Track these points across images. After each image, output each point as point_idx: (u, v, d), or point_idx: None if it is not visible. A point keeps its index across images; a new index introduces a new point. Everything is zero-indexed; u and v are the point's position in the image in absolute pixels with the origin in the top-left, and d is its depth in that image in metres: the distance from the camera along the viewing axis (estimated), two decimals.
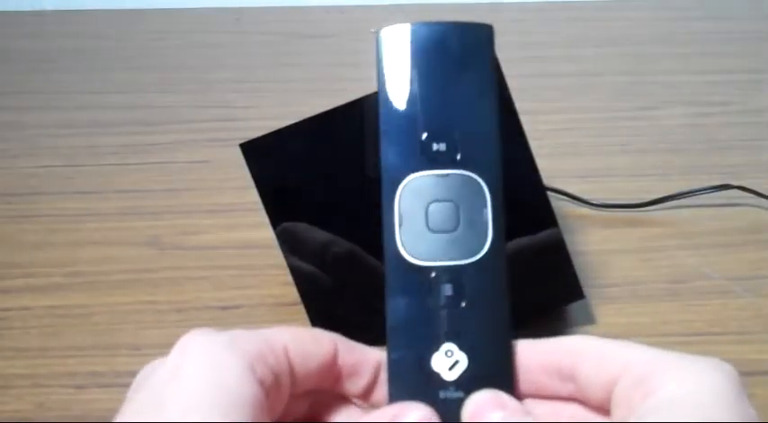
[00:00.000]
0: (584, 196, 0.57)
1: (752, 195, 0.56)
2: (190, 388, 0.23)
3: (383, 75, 0.30)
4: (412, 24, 0.31)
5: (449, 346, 0.27)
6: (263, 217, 0.43)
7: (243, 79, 0.79)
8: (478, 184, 0.29)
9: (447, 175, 0.29)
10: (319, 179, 0.43)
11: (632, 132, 0.67)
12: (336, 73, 0.78)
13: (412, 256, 0.28)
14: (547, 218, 0.44)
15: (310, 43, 0.88)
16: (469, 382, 0.26)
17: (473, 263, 0.28)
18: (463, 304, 0.28)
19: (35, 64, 0.83)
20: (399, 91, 0.30)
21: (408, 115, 0.30)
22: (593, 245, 0.53)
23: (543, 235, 0.44)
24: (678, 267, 0.51)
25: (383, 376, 0.28)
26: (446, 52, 0.30)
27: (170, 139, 0.67)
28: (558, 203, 0.55)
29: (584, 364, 0.26)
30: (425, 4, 0.91)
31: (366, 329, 0.41)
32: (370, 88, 0.42)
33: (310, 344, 0.27)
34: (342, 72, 0.78)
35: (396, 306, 0.28)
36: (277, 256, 0.43)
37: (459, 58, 0.30)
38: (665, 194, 0.56)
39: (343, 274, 0.43)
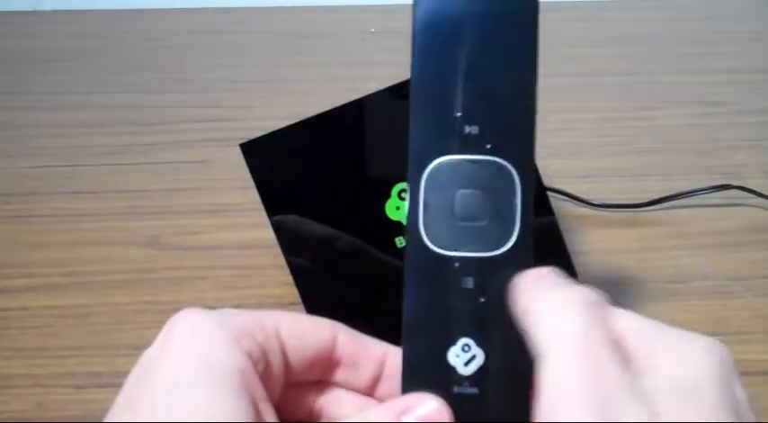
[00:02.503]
0: (584, 196, 0.57)
1: (752, 195, 0.56)
2: (176, 360, 0.24)
3: (417, 45, 0.28)
4: None
5: (466, 340, 0.26)
6: (263, 217, 0.43)
7: (243, 79, 0.79)
8: (510, 173, 0.27)
9: (478, 161, 0.27)
10: (319, 179, 0.43)
11: (632, 132, 0.67)
12: (336, 73, 0.78)
13: (434, 245, 0.27)
14: (547, 217, 0.44)
15: (310, 43, 0.87)
16: (485, 379, 0.25)
17: (497, 256, 0.27)
18: (483, 299, 0.26)
19: (35, 64, 0.83)
20: (434, 65, 0.28)
21: (442, 92, 0.27)
22: (592, 245, 0.52)
23: (543, 235, 0.44)
24: (678, 267, 0.50)
25: (389, 370, 0.27)
26: (487, 25, 0.28)
27: (170, 139, 0.67)
28: (558, 203, 0.55)
29: None
30: None
31: (366, 329, 0.41)
32: (371, 88, 0.43)
33: (306, 327, 0.27)
34: (342, 72, 0.78)
35: (414, 295, 0.27)
36: (277, 256, 0.43)
37: (501, 32, 0.28)
38: (665, 194, 0.56)
39: (343, 274, 0.43)
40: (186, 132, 0.68)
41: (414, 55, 0.28)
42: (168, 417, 0.23)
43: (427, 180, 0.27)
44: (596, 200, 0.57)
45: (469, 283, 0.26)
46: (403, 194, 0.43)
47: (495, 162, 0.27)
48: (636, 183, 0.59)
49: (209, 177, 0.61)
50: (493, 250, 0.27)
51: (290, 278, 0.44)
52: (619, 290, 0.48)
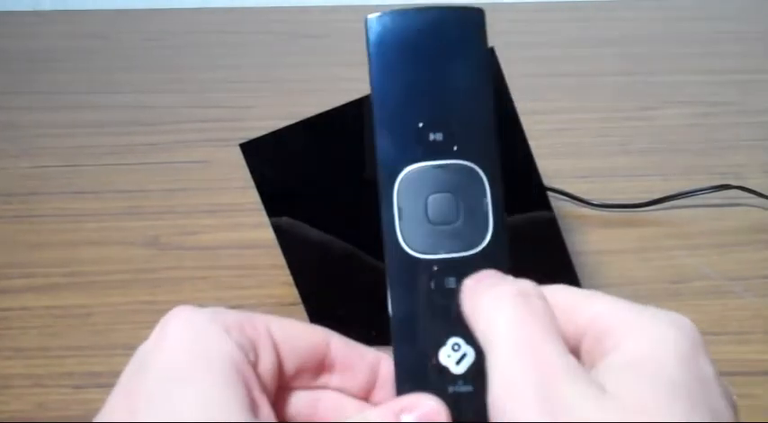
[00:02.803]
0: (584, 196, 0.57)
1: (752, 195, 0.56)
2: (170, 352, 0.25)
3: (374, 64, 0.30)
4: (401, 10, 0.30)
5: (455, 339, 0.27)
6: (263, 217, 0.43)
7: (242, 79, 0.79)
8: (477, 173, 0.28)
9: (445, 165, 0.28)
10: (319, 179, 0.43)
11: (632, 132, 0.67)
12: (336, 73, 0.78)
13: (413, 250, 0.28)
14: (546, 217, 0.44)
15: (310, 43, 0.88)
16: (478, 376, 0.26)
17: (475, 254, 0.27)
18: None
19: (35, 64, 0.83)
20: (392, 80, 0.29)
21: (402, 105, 0.29)
22: (592, 245, 0.52)
23: (543, 235, 0.44)
24: (678, 267, 0.50)
25: (383, 376, 0.28)
26: (438, 38, 0.30)
27: (170, 139, 0.67)
28: (557, 203, 0.55)
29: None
30: (425, 3, 0.91)
31: (366, 329, 0.41)
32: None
33: (298, 329, 0.27)
34: (342, 72, 0.78)
35: (399, 301, 0.27)
36: (277, 256, 0.43)
37: (452, 44, 0.30)
38: (665, 194, 0.56)
39: (343, 274, 0.43)
40: (186, 132, 0.68)
41: (371, 72, 0.30)
42: (164, 407, 0.23)
43: (399, 189, 0.28)
44: (596, 200, 0.57)
45: (452, 283, 0.27)
46: None
47: (461, 165, 0.28)
48: (636, 183, 0.59)
49: (209, 177, 0.61)
50: (470, 250, 0.28)
51: (290, 278, 0.44)
52: (619, 290, 0.48)
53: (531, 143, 0.43)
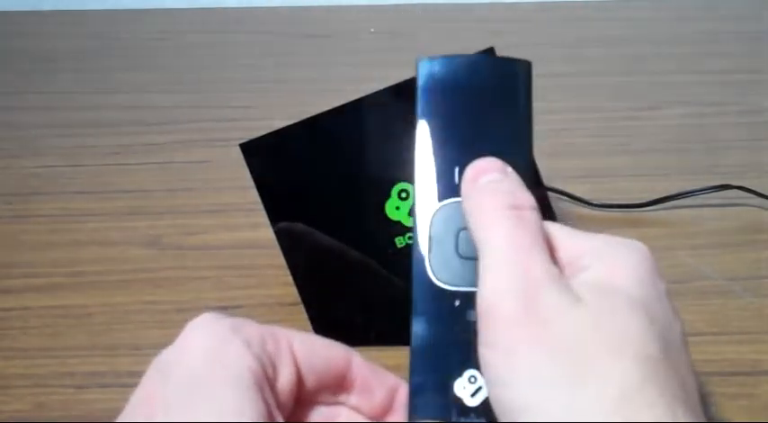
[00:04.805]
0: (585, 196, 0.57)
1: (752, 195, 0.56)
2: (190, 360, 0.25)
3: (422, 104, 0.31)
4: (451, 56, 0.31)
5: (472, 372, 0.27)
6: (263, 217, 0.43)
7: (243, 79, 0.79)
8: None
9: None
10: (319, 179, 0.43)
11: (632, 132, 0.68)
12: (336, 73, 0.78)
13: (440, 281, 0.29)
14: (546, 217, 0.44)
15: (310, 43, 0.88)
16: (492, 409, 0.26)
17: None
18: None
19: (35, 64, 0.83)
20: (437, 121, 0.31)
21: (444, 146, 0.30)
22: None
23: None
24: (678, 267, 0.51)
25: (399, 402, 0.28)
26: (483, 87, 0.31)
27: (170, 139, 0.67)
28: (558, 203, 0.55)
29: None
30: (425, 3, 0.91)
31: (366, 330, 0.41)
32: (370, 88, 0.43)
33: (321, 345, 0.28)
34: (342, 72, 0.78)
35: (421, 329, 0.28)
36: (277, 256, 0.44)
37: (496, 93, 0.31)
38: (665, 194, 0.56)
39: (343, 274, 0.43)
40: (186, 132, 0.69)
41: (417, 111, 0.31)
42: (181, 414, 0.23)
43: (433, 221, 0.30)
44: (596, 200, 0.57)
45: (472, 316, 0.27)
46: (403, 194, 0.43)
47: None
48: (636, 183, 0.59)
49: (209, 177, 0.61)
50: None
51: (290, 278, 0.44)
52: None
53: None
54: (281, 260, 0.43)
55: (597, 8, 0.97)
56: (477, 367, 0.26)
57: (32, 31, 0.92)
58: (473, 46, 0.41)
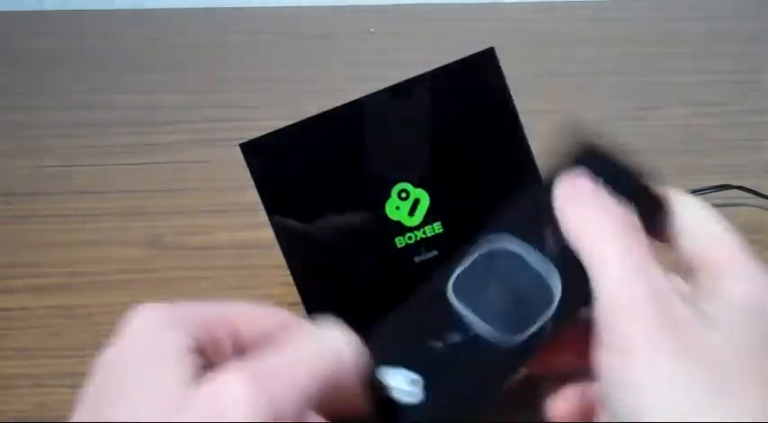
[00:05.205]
0: None
1: (752, 195, 0.56)
2: (125, 353, 0.26)
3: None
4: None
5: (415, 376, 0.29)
6: (263, 217, 0.43)
7: (243, 79, 0.79)
8: (553, 294, 0.29)
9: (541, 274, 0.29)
10: (319, 179, 0.43)
11: (632, 132, 0.67)
12: (336, 73, 0.78)
13: (455, 296, 0.29)
14: None
15: (311, 43, 0.88)
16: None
17: (500, 342, 0.28)
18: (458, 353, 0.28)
19: (36, 64, 0.83)
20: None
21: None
22: None
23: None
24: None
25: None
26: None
27: (170, 139, 0.67)
28: None
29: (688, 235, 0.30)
30: (425, 3, 0.91)
31: (365, 330, 0.41)
32: (370, 88, 0.43)
33: (260, 314, 0.30)
34: (342, 72, 0.78)
35: (402, 311, 0.29)
36: (277, 256, 0.44)
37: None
38: None
39: (343, 274, 0.43)
40: (186, 132, 0.69)
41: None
42: (123, 412, 0.24)
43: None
44: None
45: (456, 338, 0.28)
46: (403, 194, 0.43)
47: (547, 284, 0.29)
48: None
49: (209, 177, 0.61)
50: (502, 333, 0.28)
51: (290, 278, 0.44)
52: None
53: (531, 143, 0.43)
54: (281, 260, 0.43)
55: (597, 8, 0.97)
56: (420, 371, 0.28)
57: (33, 30, 0.92)
58: (473, 46, 0.41)
